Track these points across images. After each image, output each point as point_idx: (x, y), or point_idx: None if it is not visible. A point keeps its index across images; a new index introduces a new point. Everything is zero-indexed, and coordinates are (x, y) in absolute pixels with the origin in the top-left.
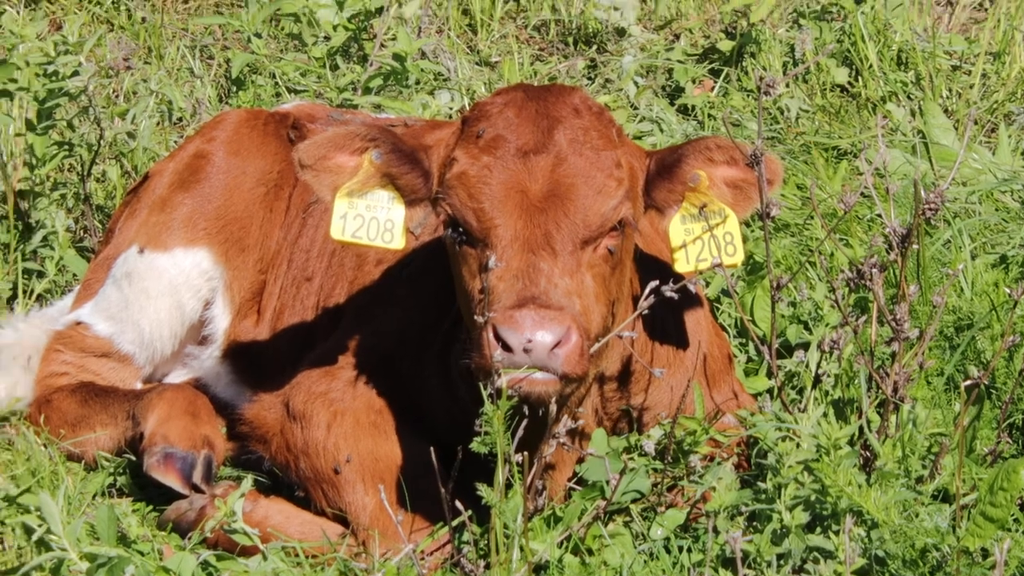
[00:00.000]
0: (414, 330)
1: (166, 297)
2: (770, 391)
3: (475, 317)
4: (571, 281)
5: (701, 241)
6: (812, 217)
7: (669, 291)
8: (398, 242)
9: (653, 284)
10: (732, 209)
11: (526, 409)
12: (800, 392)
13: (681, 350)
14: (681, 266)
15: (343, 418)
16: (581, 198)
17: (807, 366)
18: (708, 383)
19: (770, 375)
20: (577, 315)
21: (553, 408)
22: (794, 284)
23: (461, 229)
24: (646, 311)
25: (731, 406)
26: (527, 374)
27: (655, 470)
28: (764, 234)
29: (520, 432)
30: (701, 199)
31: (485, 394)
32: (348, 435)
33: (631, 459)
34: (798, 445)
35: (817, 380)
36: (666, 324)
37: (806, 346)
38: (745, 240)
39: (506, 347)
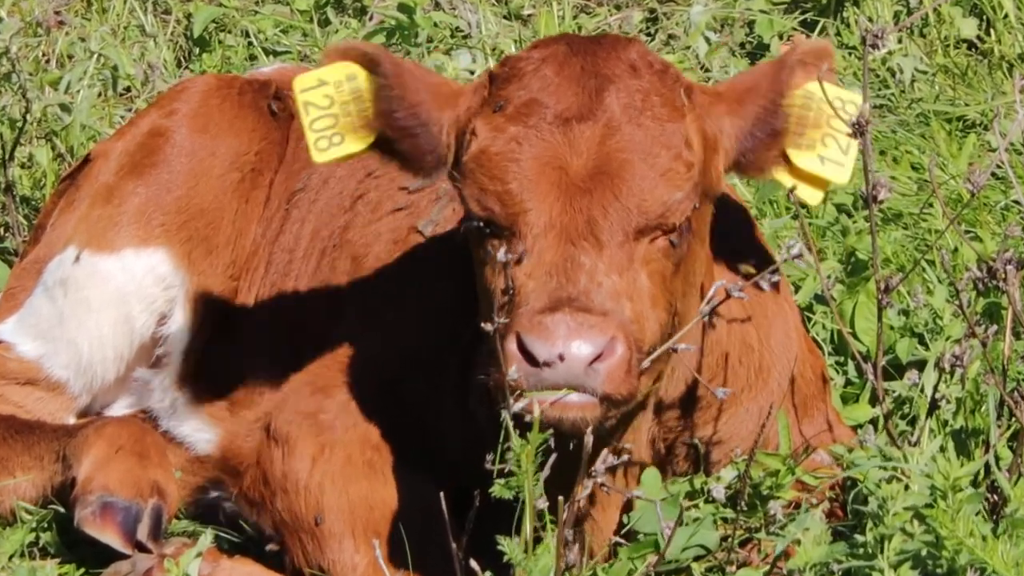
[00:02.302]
0: (426, 347)
1: (111, 309)
2: (874, 421)
3: (493, 324)
4: (619, 280)
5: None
6: (931, 204)
7: (737, 291)
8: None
9: (718, 284)
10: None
11: (552, 441)
12: (912, 422)
13: (764, 368)
14: (835, 175)
15: (333, 452)
16: (637, 178)
17: (921, 390)
18: (797, 411)
19: (874, 401)
20: (625, 322)
21: (589, 439)
22: (907, 287)
23: (482, 217)
24: (708, 317)
25: (824, 440)
26: (558, 396)
27: (724, 520)
28: (870, 224)
29: (546, 470)
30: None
31: (508, 421)
32: (337, 475)
33: (695, 506)
34: (907, 487)
35: (934, 406)
36: (747, 335)
37: (921, 365)
38: (845, 233)
39: (532, 360)
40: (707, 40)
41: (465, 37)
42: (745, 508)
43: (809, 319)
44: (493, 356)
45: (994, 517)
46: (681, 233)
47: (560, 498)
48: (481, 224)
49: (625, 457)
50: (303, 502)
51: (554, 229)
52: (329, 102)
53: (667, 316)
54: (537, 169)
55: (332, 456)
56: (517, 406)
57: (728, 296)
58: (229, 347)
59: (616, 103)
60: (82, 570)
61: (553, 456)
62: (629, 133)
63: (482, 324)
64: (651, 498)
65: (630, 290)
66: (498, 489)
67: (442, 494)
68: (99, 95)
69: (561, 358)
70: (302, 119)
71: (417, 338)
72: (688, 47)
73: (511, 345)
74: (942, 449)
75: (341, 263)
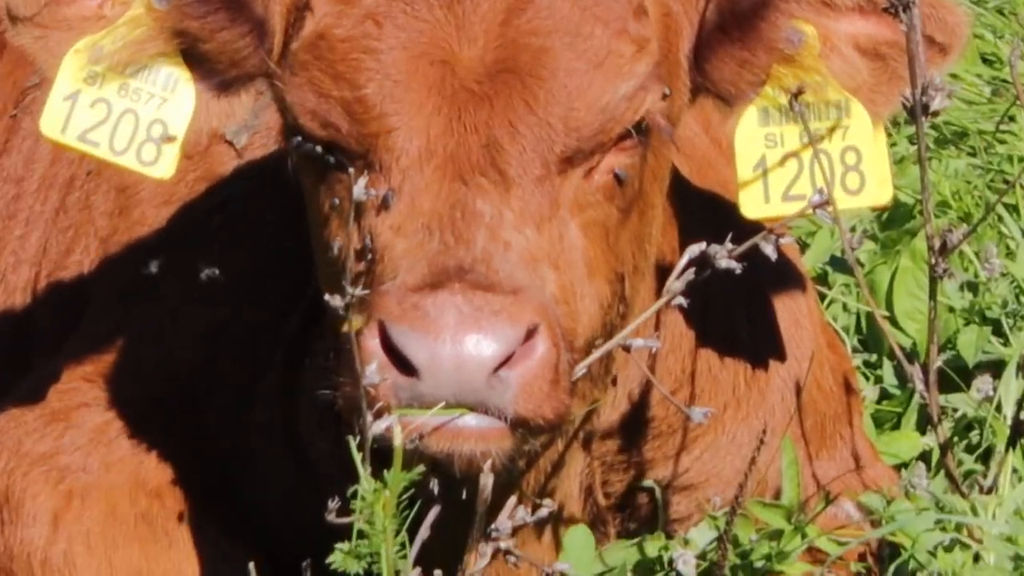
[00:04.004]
0: (231, 336)
1: None
2: (926, 456)
3: (343, 298)
4: (537, 236)
5: (797, 162)
6: (1011, 117)
7: (725, 259)
8: (165, 166)
9: (695, 248)
10: (863, 98)
11: (435, 486)
12: (984, 457)
13: (760, 375)
14: (752, 207)
15: (85, 504)
16: (561, 74)
17: (998, 407)
18: (809, 440)
19: (926, 426)
20: (548, 303)
21: (487, 480)
22: (974, 246)
23: (322, 138)
24: (681, 298)
25: (851, 484)
26: (446, 418)
27: None
28: (918, 148)
29: (424, 530)
30: (802, 76)
31: (355, 454)
32: (95, 536)
33: None
34: (977, 557)
35: (1018, 433)
36: (735, 322)
37: (997, 368)
38: None
39: (404, 365)
40: None
41: None
42: None
43: (822, 297)
44: (344, 354)
45: None
46: (634, 157)
47: (438, 573)
48: (319, 149)
49: (544, 511)
50: None
51: (435, 158)
52: (104, 109)
53: (611, 292)
54: (407, 64)
55: (85, 509)
56: (377, 426)
57: (711, 266)
58: None
59: None
60: None
61: (435, 509)
62: (548, 4)
63: (326, 298)
64: (579, 574)
65: (554, 252)
66: (340, 559)
67: (252, 564)
68: None
69: (451, 362)
70: (95, 157)
71: (220, 318)
72: None
73: (371, 340)
74: None
75: (100, 199)
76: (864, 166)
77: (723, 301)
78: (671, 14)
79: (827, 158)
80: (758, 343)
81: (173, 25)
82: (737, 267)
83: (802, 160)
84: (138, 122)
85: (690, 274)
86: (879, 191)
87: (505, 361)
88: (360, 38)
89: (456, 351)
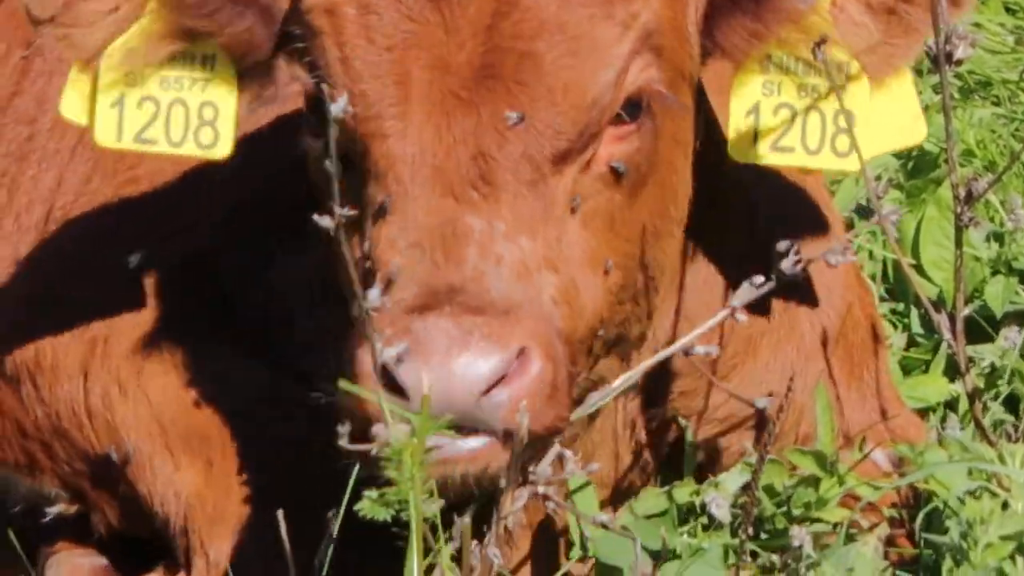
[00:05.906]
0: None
1: None
2: (952, 403)
3: (361, 309)
4: (533, 243)
5: (790, 112)
6: None
7: (752, 293)
8: (225, 144)
9: (784, 245)
10: (879, 55)
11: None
12: (1013, 406)
13: (791, 303)
14: (741, 152)
15: (107, 346)
16: (546, 77)
17: (1023, 355)
18: (837, 381)
19: (954, 372)
20: (543, 318)
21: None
22: (1000, 195)
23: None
24: (742, 315)
25: (879, 430)
26: (443, 442)
27: (731, 549)
28: (942, 97)
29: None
30: (808, 33)
31: (387, 408)
32: (127, 375)
33: (690, 532)
34: (1005, 505)
35: None
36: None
37: (1022, 318)
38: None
39: (395, 388)
40: None
41: None
42: (754, 533)
43: None
44: (347, 363)
45: None
46: (633, 142)
47: (462, 520)
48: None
49: (595, 466)
50: (92, 434)
51: (424, 170)
52: (152, 106)
53: (624, 270)
54: (401, 66)
55: (108, 351)
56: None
57: (783, 273)
58: None
59: None
60: None
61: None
62: (533, 3)
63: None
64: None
65: (551, 254)
66: (368, 506)
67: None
68: None
69: (439, 386)
70: (156, 153)
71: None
72: None
73: (364, 362)
74: None
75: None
76: (857, 131)
77: (766, 233)
78: None
79: (821, 116)
80: (799, 289)
81: (182, 24)
82: (833, 262)
83: (796, 112)
84: (188, 109)
85: (750, 291)
86: (913, 127)
87: (498, 381)
88: (364, 28)
89: (444, 376)
